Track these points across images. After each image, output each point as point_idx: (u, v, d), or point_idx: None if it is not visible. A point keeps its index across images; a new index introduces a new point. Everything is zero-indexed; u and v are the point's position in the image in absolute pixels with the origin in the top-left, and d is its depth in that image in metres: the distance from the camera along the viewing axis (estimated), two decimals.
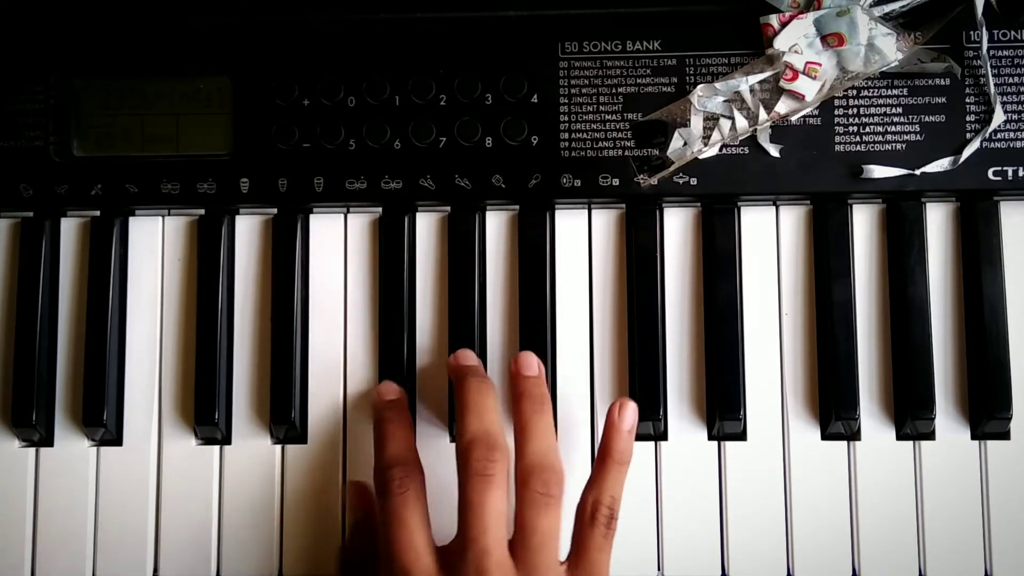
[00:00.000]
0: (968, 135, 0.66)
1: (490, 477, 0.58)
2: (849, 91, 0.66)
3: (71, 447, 0.68)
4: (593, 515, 0.60)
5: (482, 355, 0.67)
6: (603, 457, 0.62)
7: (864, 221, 0.68)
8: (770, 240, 0.68)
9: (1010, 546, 0.65)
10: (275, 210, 0.69)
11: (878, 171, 0.66)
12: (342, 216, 0.69)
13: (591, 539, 0.60)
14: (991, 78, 0.66)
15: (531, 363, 0.64)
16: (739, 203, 0.68)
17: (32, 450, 0.68)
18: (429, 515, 0.60)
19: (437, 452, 0.66)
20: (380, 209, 0.69)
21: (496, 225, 0.69)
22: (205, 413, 0.67)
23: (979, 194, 0.67)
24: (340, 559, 0.65)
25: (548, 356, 0.67)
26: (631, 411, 0.62)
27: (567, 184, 0.67)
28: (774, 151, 0.66)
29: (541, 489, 0.58)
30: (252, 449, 0.67)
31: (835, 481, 0.66)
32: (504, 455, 0.59)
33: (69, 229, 0.69)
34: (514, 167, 0.67)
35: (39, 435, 0.67)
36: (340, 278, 0.69)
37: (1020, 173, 0.66)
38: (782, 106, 0.66)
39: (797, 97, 0.66)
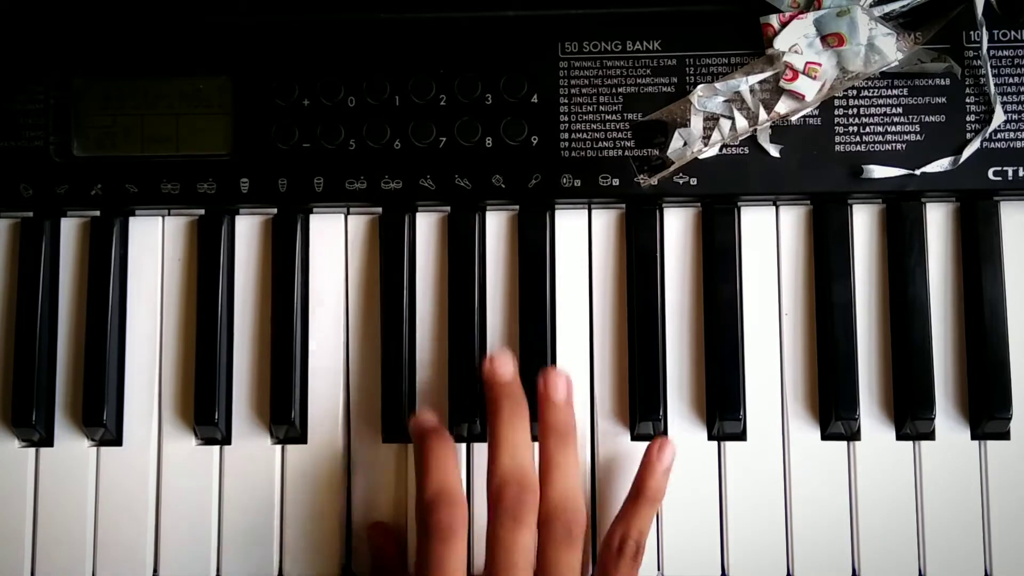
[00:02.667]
0: (968, 135, 0.66)
1: (520, 518, 0.57)
2: (849, 91, 0.66)
3: (71, 447, 0.68)
4: (621, 548, 0.60)
5: (482, 354, 0.67)
6: (637, 494, 0.62)
7: (864, 221, 0.68)
8: (770, 240, 0.68)
9: (1010, 546, 0.65)
10: (275, 210, 0.69)
11: (878, 171, 0.66)
12: (342, 216, 0.69)
13: (617, 571, 0.60)
14: (991, 78, 0.66)
15: (559, 385, 0.62)
16: (739, 203, 0.68)
17: (32, 450, 0.68)
18: (467, 555, 0.59)
19: None
20: (380, 209, 0.69)
21: (496, 225, 0.69)
22: (205, 413, 0.67)
23: (979, 194, 0.67)
24: None
25: (548, 356, 0.67)
26: (670, 452, 0.62)
27: (567, 184, 0.67)
28: (774, 151, 0.66)
29: (564, 530, 0.58)
30: (252, 449, 0.67)
31: (835, 481, 0.66)
32: (536, 495, 0.58)
33: (69, 229, 0.69)
34: (514, 167, 0.67)
35: (39, 435, 0.67)
36: (340, 278, 0.69)
37: (1020, 173, 0.66)
38: (782, 106, 0.66)
39: (797, 97, 0.66)
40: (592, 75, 0.67)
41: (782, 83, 0.66)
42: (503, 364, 0.62)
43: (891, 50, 0.65)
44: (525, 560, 0.57)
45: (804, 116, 0.66)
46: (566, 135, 0.67)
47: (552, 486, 0.59)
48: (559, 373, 0.63)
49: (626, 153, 0.67)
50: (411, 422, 0.64)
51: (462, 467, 0.66)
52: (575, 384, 0.67)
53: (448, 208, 0.69)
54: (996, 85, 0.66)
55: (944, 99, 0.66)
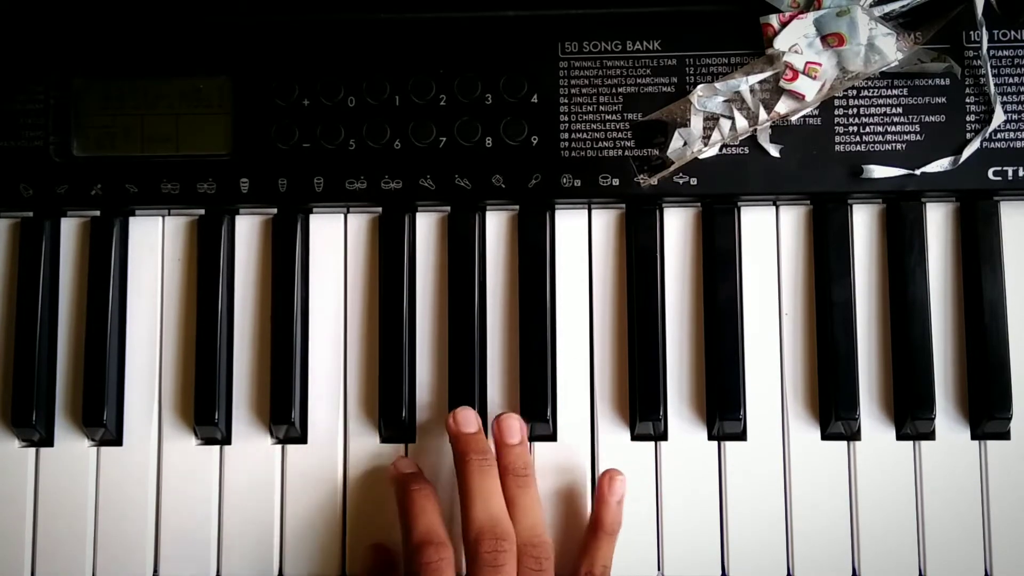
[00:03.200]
0: (968, 135, 0.66)
1: (501, 568, 0.59)
2: (849, 91, 0.66)
3: (71, 447, 0.68)
4: None
5: (482, 355, 0.67)
6: (595, 529, 0.63)
7: (864, 221, 0.68)
8: (770, 240, 0.68)
9: (1010, 546, 0.65)
10: (275, 210, 0.69)
11: (878, 171, 0.66)
12: (342, 216, 0.69)
13: None
14: (991, 78, 0.66)
15: (513, 428, 0.65)
16: (739, 203, 0.68)
17: (32, 450, 0.68)
18: None
19: (437, 451, 0.67)
20: (380, 209, 0.69)
21: (496, 225, 0.69)
22: (205, 413, 0.67)
23: (979, 194, 0.67)
24: None
25: (548, 356, 0.67)
26: (620, 484, 0.64)
27: (567, 184, 0.67)
28: (774, 151, 0.66)
29: (534, 565, 0.60)
30: (252, 449, 0.67)
31: (835, 481, 0.66)
32: (512, 542, 0.60)
33: (69, 229, 0.69)
34: (514, 167, 0.67)
35: (39, 435, 0.67)
36: (340, 278, 0.69)
37: (1020, 173, 0.66)
38: (782, 106, 0.66)
39: (797, 97, 0.66)
40: (592, 75, 0.67)
41: (782, 83, 0.66)
42: (465, 418, 0.64)
43: (891, 50, 0.65)
44: None
45: (804, 116, 0.66)
46: (566, 135, 0.67)
47: (518, 524, 0.61)
48: (511, 416, 0.65)
49: (626, 153, 0.67)
50: (391, 470, 0.65)
51: None
52: (575, 384, 0.67)
53: (448, 208, 0.69)
54: (996, 85, 0.66)
55: (944, 99, 0.66)
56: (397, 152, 0.67)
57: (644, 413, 0.66)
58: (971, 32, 0.66)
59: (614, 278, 0.68)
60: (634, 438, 0.67)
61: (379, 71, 0.68)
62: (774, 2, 0.66)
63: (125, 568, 0.67)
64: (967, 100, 0.66)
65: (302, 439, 0.68)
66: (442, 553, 0.60)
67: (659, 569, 0.66)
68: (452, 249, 0.68)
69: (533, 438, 0.67)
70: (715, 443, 0.67)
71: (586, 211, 0.69)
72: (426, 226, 0.69)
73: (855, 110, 0.66)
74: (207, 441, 0.68)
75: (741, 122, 0.66)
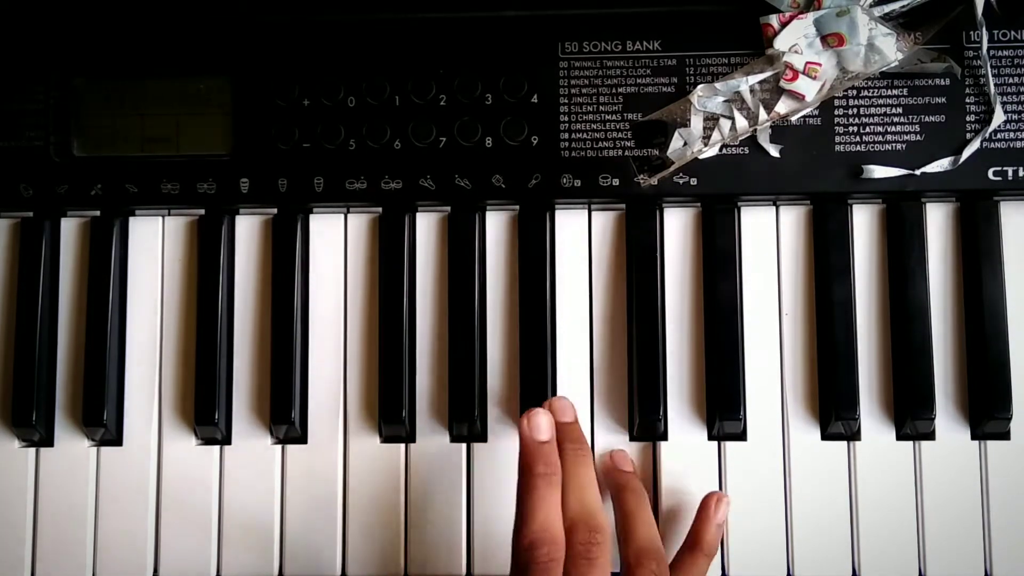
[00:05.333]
0: (968, 135, 0.66)
1: (594, 560, 0.58)
2: (849, 91, 0.66)
3: (71, 447, 0.68)
4: None
5: (482, 355, 0.67)
6: (693, 547, 0.62)
7: (864, 221, 0.68)
8: (770, 240, 0.68)
9: (1010, 546, 0.65)
10: (275, 210, 0.69)
11: (878, 171, 0.66)
12: (342, 216, 0.69)
13: None
14: (991, 78, 0.66)
15: (626, 459, 0.66)
16: (739, 203, 0.68)
17: (32, 450, 0.68)
18: None
19: (438, 450, 0.67)
20: (380, 209, 0.69)
21: (496, 225, 0.69)
22: (205, 413, 0.67)
23: (979, 194, 0.67)
24: None
25: (548, 356, 0.67)
26: (725, 507, 0.63)
27: (567, 184, 0.67)
28: (774, 151, 0.66)
29: (655, 570, 0.59)
30: (252, 449, 0.67)
31: (835, 481, 0.66)
32: (607, 534, 0.59)
33: (69, 229, 0.69)
34: (514, 167, 0.67)
35: (39, 435, 0.67)
36: (340, 278, 0.69)
37: (1020, 173, 0.66)
38: (782, 106, 0.66)
39: (797, 97, 0.66)
40: (592, 75, 0.67)
41: (782, 83, 0.66)
42: (539, 424, 0.62)
43: (891, 50, 0.65)
44: None
45: (804, 116, 0.66)
46: (566, 135, 0.67)
47: (637, 532, 0.61)
48: (623, 452, 0.66)
49: (626, 153, 0.67)
50: (524, 429, 0.62)
51: (462, 468, 0.66)
52: (575, 384, 0.67)
53: (448, 208, 0.69)
54: (996, 85, 0.66)
55: (944, 99, 0.66)
56: (397, 152, 0.67)
57: (644, 413, 0.66)
58: (971, 32, 0.66)
59: (614, 278, 0.68)
60: (633, 438, 0.67)
61: (379, 71, 0.68)
62: (774, 2, 0.66)
63: (125, 568, 0.67)
64: (967, 100, 0.66)
65: (302, 439, 0.68)
66: (553, 555, 0.57)
67: None
68: (452, 249, 0.68)
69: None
70: (715, 443, 0.67)
71: (586, 211, 0.69)
72: (426, 226, 0.69)
73: (855, 110, 0.66)
74: (207, 441, 0.68)
75: (741, 122, 0.66)
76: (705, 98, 0.66)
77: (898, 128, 0.66)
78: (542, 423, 0.61)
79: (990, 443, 0.66)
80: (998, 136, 0.66)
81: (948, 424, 0.66)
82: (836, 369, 0.66)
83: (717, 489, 0.66)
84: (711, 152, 0.66)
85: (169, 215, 0.70)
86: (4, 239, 0.69)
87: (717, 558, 0.65)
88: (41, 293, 0.68)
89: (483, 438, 0.67)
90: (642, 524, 0.61)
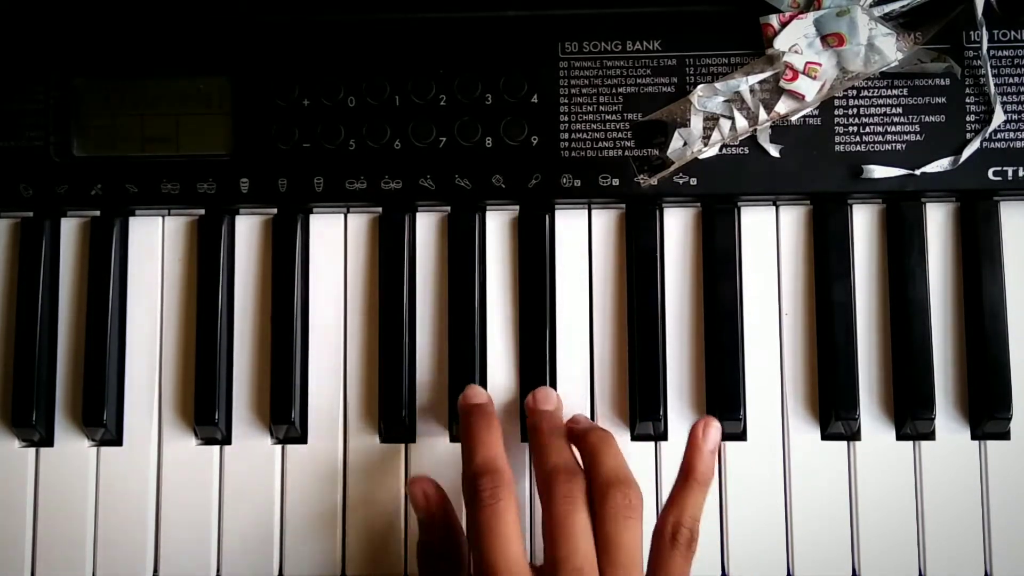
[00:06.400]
0: (968, 135, 0.66)
1: (575, 499, 0.58)
2: (849, 91, 0.66)
3: (71, 447, 0.68)
4: (674, 536, 0.59)
5: (482, 355, 0.67)
6: (685, 477, 0.60)
7: (864, 221, 0.68)
8: (770, 240, 0.68)
9: (1010, 546, 0.65)
10: (275, 210, 0.69)
11: (878, 171, 0.66)
12: (342, 216, 0.69)
13: (672, 560, 0.58)
14: (991, 78, 0.66)
15: (581, 418, 0.66)
16: (739, 203, 0.68)
17: (32, 450, 0.68)
18: (520, 526, 0.59)
19: (438, 450, 0.67)
20: (380, 209, 0.69)
21: (496, 225, 0.69)
22: (205, 413, 0.67)
23: (979, 194, 0.67)
24: (420, 552, 0.63)
25: (548, 356, 0.67)
26: (715, 431, 0.61)
27: (567, 184, 0.67)
28: (774, 151, 0.66)
29: (623, 501, 0.58)
30: (252, 449, 0.67)
31: (835, 481, 0.66)
32: (583, 480, 0.59)
33: (69, 229, 0.69)
34: (514, 167, 0.67)
35: (39, 435, 0.67)
36: (340, 278, 0.69)
37: (1020, 173, 0.66)
38: (782, 106, 0.66)
39: (797, 97, 0.66)
40: (592, 75, 0.67)
41: (782, 83, 0.66)
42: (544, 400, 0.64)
43: (891, 50, 0.65)
44: (587, 542, 0.57)
45: (804, 116, 0.66)
46: (566, 135, 0.67)
47: (602, 465, 0.59)
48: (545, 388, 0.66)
49: (626, 153, 0.67)
50: (460, 400, 0.64)
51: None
52: (575, 384, 0.67)
53: (448, 208, 0.69)
54: (996, 85, 0.66)
55: (944, 99, 0.66)
56: (397, 152, 0.67)
57: (644, 413, 0.66)
58: (971, 32, 0.66)
59: (614, 278, 0.68)
60: (634, 438, 0.67)
61: (379, 71, 0.68)
62: (774, 2, 0.66)
63: (125, 568, 0.67)
64: (967, 100, 0.66)
65: (302, 439, 0.68)
66: (498, 482, 0.58)
67: None
68: (452, 249, 0.68)
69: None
70: None
71: (586, 211, 0.69)
72: (426, 226, 0.69)
73: (855, 110, 0.66)
74: (207, 441, 0.68)
75: (741, 122, 0.66)
76: (705, 98, 0.66)
77: (898, 128, 0.66)
78: (478, 391, 0.65)
79: (990, 443, 0.66)
80: (998, 136, 0.66)
81: (948, 424, 0.66)
82: (836, 369, 0.66)
83: (716, 488, 0.66)
84: (711, 152, 0.66)
85: (169, 215, 0.70)
86: (4, 239, 0.69)
87: (717, 558, 0.65)
88: (41, 293, 0.68)
89: None
90: (608, 456, 0.60)
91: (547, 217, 0.68)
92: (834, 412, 0.65)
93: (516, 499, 0.59)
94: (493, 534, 0.57)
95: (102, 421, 0.66)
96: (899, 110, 0.66)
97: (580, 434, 0.63)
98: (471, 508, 0.59)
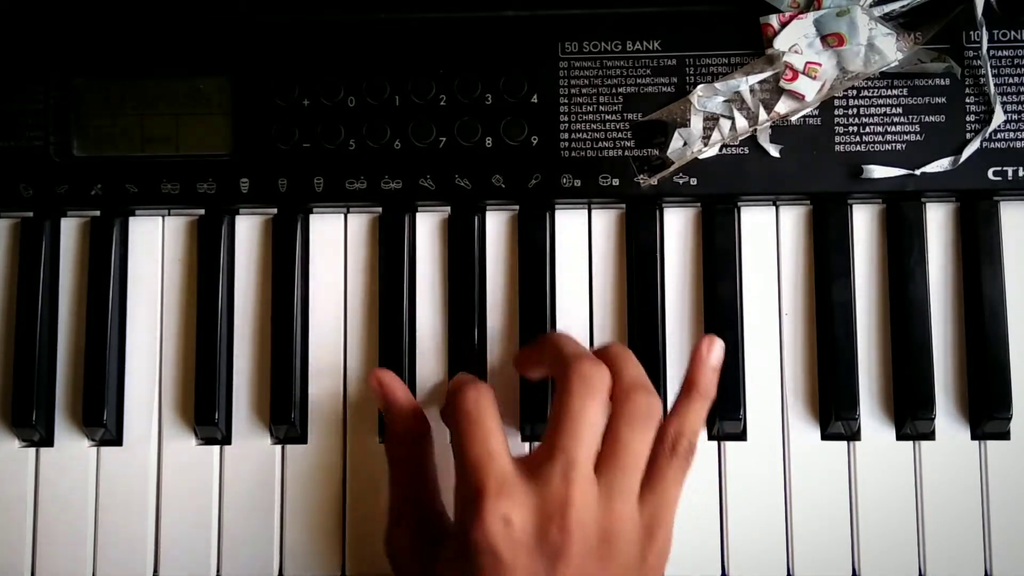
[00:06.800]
0: (968, 135, 0.66)
1: (595, 390, 0.56)
2: (849, 91, 0.66)
3: (71, 447, 0.68)
4: (674, 446, 0.58)
5: (482, 354, 0.67)
6: (689, 390, 0.60)
7: (864, 221, 0.68)
8: (770, 240, 0.68)
9: (1010, 546, 0.65)
10: (275, 210, 0.69)
11: (878, 171, 0.66)
12: (342, 216, 0.69)
13: (669, 470, 0.58)
14: (991, 78, 0.66)
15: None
16: (739, 203, 0.68)
17: (32, 450, 0.68)
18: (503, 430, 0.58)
19: (438, 450, 0.67)
20: (380, 209, 0.69)
21: (496, 225, 0.69)
22: (205, 413, 0.67)
23: (979, 194, 0.67)
24: (389, 447, 0.63)
25: None
26: (719, 348, 0.61)
27: (567, 184, 0.67)
28: (774, 151, 0.66)
29: (645, 408, 0.57)
30: (252, 449, 0.67)
31: (835, 481, 0.66)
32: (608, 375, 0.57)
33: (69, 229, 0.69)
34: (514, 167, 0.67)
35: (39, 435, 0.67)
36: (340, 278, 0.69)
37: (1020, 173, 0.66)
38: (782, 106, 0.66)
39: (797, 97, 0.66)
40: (592, 75, 0.67)
41: (782, 83, 0.66)
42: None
43: (891, 50, 0.65)
44: (592, 435, 0.56)
45: (804, 116, 0.66)
46: (566, 135, 0.67)
47: (627, 372, 0.58)
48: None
49: (626, 153, 0.67)
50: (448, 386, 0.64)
51: None
52: None
53: (448, 208, 0.69)
54: (996, 85, 0.66)
55: (944, 99, 0.66)
56: (397, 152, 0.67)
57: None
58: (971, 32, 0.66)
59: (614, 278, 0.68)
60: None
61: (379, 71, 0.68)
62: (774, 2, 0.66)
63: (125, 568, 0.67)
64: (967, 100, 0.66)
65: (302, 439, 0.68)
66: (479, 388, 0.57)
67: None
68: (452, 249, 0.68)
69: (533, 439, 0.67)
70: (715, 443, 0.67)
71: (586, 211, 0.69)
72: (426, 226, 0.69)
73: (855, 110, 0.66)
74: (207, 441, 0.68)
75: (741, 122, 0.66)
76: (705, 98, 0.66)
77: (898, 128, 0.66)
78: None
79: (990, 443, 0.66)
80: (998, 136, 0.66)
81: (948, 424, 0.66)
82: (836, 369, 0.66)
83: (716, 488, 0.66)
84: (711, 152, 0.66)
85: (169, 215, 0.70)
86: (4, 239, 0.69)
87: (717, 557, 0.65)
88: (41, 293, 0.68)
89: None
90: (632, 366, 0.59)
91: (547, 217, 0.68)
92: (834, 412, 0.65)
93: (497, 408, 0.58)
94: (473, 424, 0.56)
95: (102, 421, 0.66)
96: (899, 110, 0.66)
97: (597, 350, 0.61)
98: (451, 417, 0.58)
